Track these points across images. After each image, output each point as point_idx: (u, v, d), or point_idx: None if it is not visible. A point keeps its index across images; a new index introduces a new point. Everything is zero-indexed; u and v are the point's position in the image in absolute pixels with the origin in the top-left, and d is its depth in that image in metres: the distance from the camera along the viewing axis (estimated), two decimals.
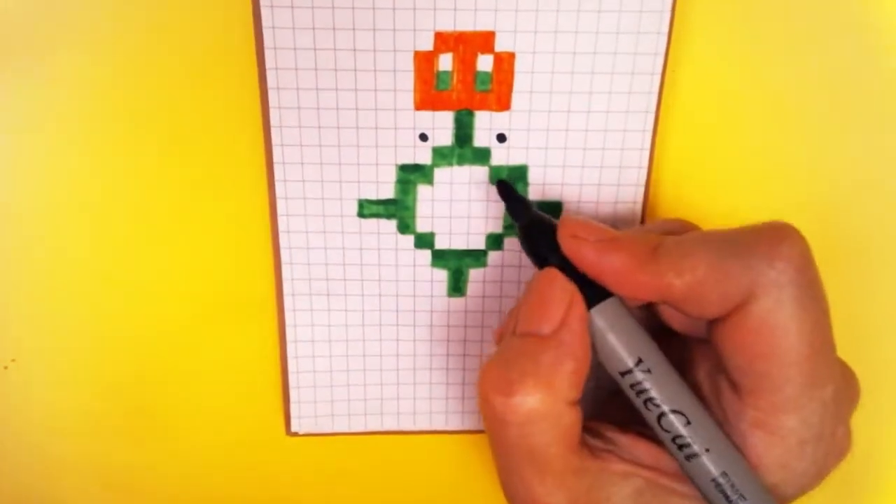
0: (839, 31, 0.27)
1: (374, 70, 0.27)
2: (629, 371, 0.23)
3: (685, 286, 0.22)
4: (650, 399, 0.23)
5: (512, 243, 0.30)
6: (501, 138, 0.28)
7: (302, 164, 0.29)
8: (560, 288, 0.23)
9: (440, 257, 0.30)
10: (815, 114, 0.29)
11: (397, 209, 0.29)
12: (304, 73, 0.27)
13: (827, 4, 0.27)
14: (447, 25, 0.27)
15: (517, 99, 0.28)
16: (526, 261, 0.30)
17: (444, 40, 0.27)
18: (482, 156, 0.29)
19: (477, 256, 0.30)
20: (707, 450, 0.23)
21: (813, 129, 0.29)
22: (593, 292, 0.24)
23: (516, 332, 0.24)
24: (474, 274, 0.31)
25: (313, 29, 0.27)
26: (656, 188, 0.29)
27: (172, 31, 0.27)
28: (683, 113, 0.29)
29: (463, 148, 0.29)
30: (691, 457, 0.23)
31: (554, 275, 0.24)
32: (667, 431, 0.23)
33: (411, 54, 0.27)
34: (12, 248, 0.30)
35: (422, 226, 0.30)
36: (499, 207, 0.29)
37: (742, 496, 0.23)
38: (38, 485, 0.34)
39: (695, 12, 0.27)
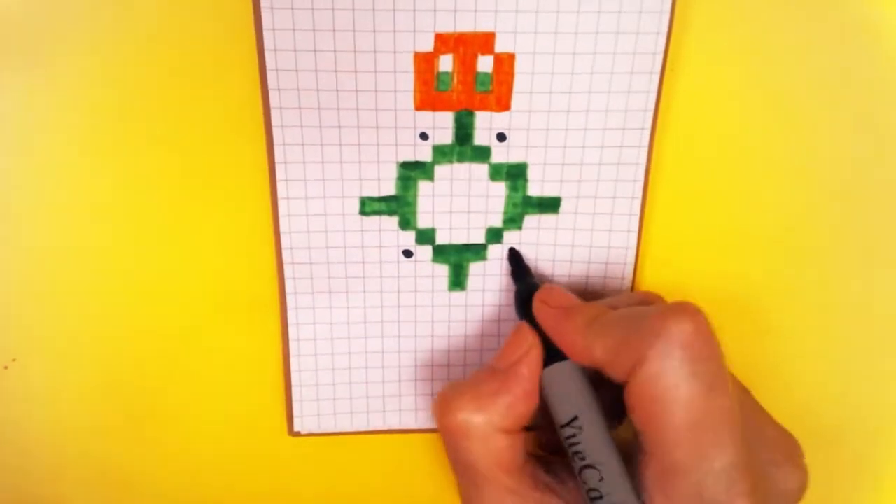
0: (838, 30, 0.28)
1: (375, 71, 0.27)
2: (564, 425, 0.26)
3: (602, 353, 0.25)
4: (577, 452, 0.26)
5: (511, 237, 0.30)
6: (501, 137, 0.29)
7: (304, 163, 0.29)
8: (523, 337, 0.27)
9: (441, 252, 0.30)
10: (814, 113, 0.29)
11: (398, 206, 0.30)
12: (305, 74, 0.27)
13: (826, 4, 0.27)
14: (447, 27, 0.27)
15: (517, 99, 0.28)
16: (525, 255, 0.31)
17: (445, 41, 0.27)
18: (482, 154, 0.29)
19: (477, 250, 0.31)
20: None
21: (812, 128, 0.29)
22: (553, 353, 0.27)
23: (483, 366, 0.28)
24: (474, 268, 0.31)
25: (313, 31, 0.27)
26: (654, 184, 0.30)
27: (174, 34, 0.27)
28: (682, 112, 0.29)
29: (463, 146, 0.29)
30: None
31: (523, 327, 0.28)
32: (584, 482, 0.26)
33: (411, 55, 0.27)
34: (12, 248, 0.30)
35: (423, 221, 0.30)
36: (498, 202, 0.30)
37: None
38: (39, 484, 0.34)
39: (694, 12, 0.27)
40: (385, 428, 0.33)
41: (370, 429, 0.33)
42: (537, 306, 0.28)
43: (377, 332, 0.32)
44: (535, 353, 0.27)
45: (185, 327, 0.31)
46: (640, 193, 0.30)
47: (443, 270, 0.31)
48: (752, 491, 0.23)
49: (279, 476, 0.34)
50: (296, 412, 0.32)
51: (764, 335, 0.32)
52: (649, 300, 0.29)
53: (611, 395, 0.26)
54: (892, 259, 0.31)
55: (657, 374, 0.23)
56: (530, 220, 0.30)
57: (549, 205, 0.30)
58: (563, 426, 0.26)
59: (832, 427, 0.34)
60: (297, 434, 0.33)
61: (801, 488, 0.26)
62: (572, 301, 0.27)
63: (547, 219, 0.30)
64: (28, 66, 0.27)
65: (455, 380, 0.27)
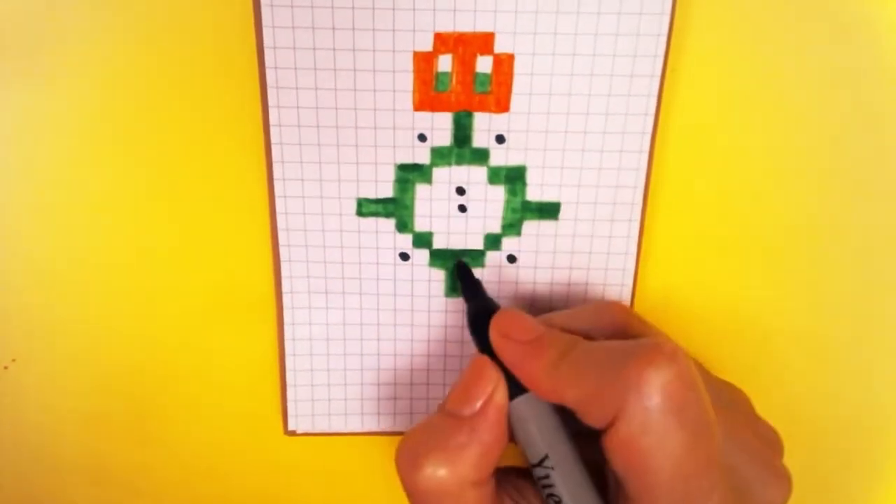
0: (839, 32, 0.27)
1: (374, 70, 0.27)
2: (535, 465, 0.25)
3: (575, 399, 0.23)
4: (551, 494, 0.24)
5: (510, 244, 0.30)
6: (500, 139, 0.28)
7: (301, 163, 0.29)
8: (486, 377, 0.25)
9: (438, 257, 0.30)
10: (814, 115, 0.29)
11: (396, 208, 0.29)
12: (304, 72, 0.27)
13: (826, 5, 0.27)
14: (447, 26, 0.27)
15: (516, 101, 0.28)
16: (524, 262, 0.30)
17: (444, 41, 0.27)
18: (481, 156, 0.29)
19: (475, 256, 0.30)
20: None
21: (813, 130, 0.29)
22: (516, 385, 0.25)
23: (441, 408, 0.26)
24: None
25: (313, 28, 0.27)
26: (654, 190, 0.30)
27: (173, 31, 0.27)
28: (683, 115, 0.29)
29: (462, 148, 0.29)
30: None
31: (484, 363, 0.25)
32: None
33: (410, 55, 0.27)
34: (12, 248, 0.30)
35: (420, 225, 0.30)
36: (497, 206, 0.29)
37: None
38: (38, 484, 0.34)
39: (694, 14, 0.27)
40: (379, 430, 0.33)
41: (364, 430, 0.33)
42: (496, 339, 0.25)
43: (373, 334, 0.31)
44: (501, 392, 0.25)
45: (183, 326, 0.31)
46: (640, 199, 0.29)
47: (440, 275, 0.31)
48: None
49: (274, 474, 0.34)
50: (290, 411, 0.32)
51: (764, 340, 0.32)
52: (619, 321, 0.27)
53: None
54: (894, 261, 0.31)
55: (639, 426, 0.22)
56: (529, 227, 0.30)
57: (549, 210, 0.30)
58: (534, 466, 0.25)
59: (830, 430, 0.33)
60: (292, 433, 0.33)
61: (786, 498, 0.25)
62: (536, 331, 0.25)
63: (546, 225, 0.30)
64: (28, 67, 0.28)
65: (407, 432, 0.26)
